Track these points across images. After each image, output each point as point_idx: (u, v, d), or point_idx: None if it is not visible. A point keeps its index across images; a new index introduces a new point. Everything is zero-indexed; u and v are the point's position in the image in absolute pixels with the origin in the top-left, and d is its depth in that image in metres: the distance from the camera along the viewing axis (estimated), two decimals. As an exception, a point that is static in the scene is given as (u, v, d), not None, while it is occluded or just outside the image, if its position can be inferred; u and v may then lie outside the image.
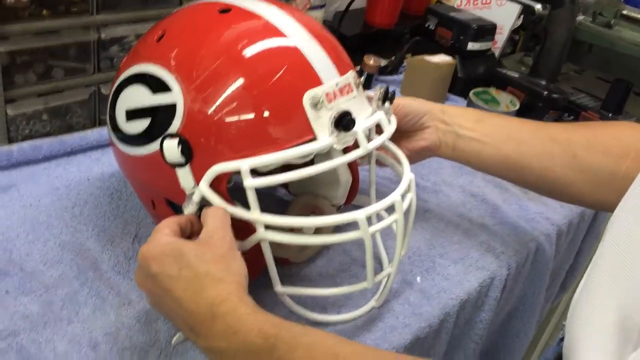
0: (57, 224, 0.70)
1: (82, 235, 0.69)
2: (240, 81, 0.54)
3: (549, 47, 1.17)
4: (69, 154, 0.84)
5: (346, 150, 0.72)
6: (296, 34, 0.57)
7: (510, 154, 0.69)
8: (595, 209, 0.75)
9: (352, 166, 0.72)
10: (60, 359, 0.54)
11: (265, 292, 0.59)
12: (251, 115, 0.54)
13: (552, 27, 1.17)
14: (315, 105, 0.54)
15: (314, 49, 0.57)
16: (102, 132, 0.87)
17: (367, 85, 1.21)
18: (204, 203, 0.56)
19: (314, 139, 0.55)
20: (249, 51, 0.56)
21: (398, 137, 0.71)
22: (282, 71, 0.55)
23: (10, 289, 0.61)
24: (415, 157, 0.73)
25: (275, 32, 0.57)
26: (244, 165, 0.53)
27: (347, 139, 0.55)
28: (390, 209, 0.59)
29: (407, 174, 0.61)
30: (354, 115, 0.55)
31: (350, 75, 0.59)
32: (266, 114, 0.54)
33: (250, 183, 0.53)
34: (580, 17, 1.30)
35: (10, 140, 0.83)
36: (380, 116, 0.59)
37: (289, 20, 0.58)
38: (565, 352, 0.52)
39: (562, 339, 0.72)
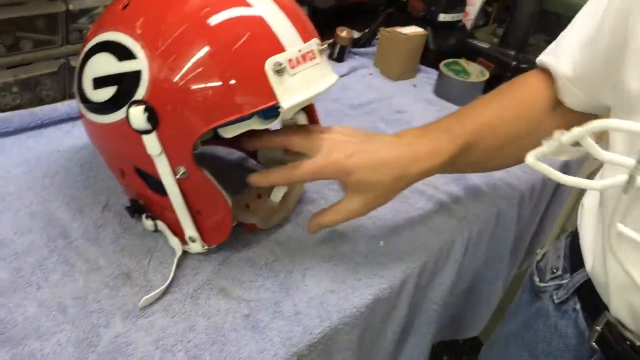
0: (28, 194, 0.71)
1: (52, 205, 0.70)
2: (205, 49, 0.55)
3: (517, 18, 1.19)
4: (39, 126, 0.84)
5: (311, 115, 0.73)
6: (260, 3, 0.58)
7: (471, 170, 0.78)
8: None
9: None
10: (29, 322, 0.56)
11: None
12: (216, 83, 0.55)
13: (521, -2, 1.19)
14: (278, 71, 0.55)
15: (278, 18, 0.58)
16: (73, 105, 0.87)
17: (339, 58, 1.22)
18: None
19: (277, 104, 0.56)
20: (214, 19, 0.56)
21: None
22: (244, 38, 0.55)
23: (-19, 256, 0.62)
24: None
25: (240, 2, 0.57)
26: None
27: None
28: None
29: None
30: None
31: (314, 42, 0.60)
32: (232, 81, 0.55)
33: None
34: (549, -12, 1.31)
35: (-20, 113, 0.83)
36: None
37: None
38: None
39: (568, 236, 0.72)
